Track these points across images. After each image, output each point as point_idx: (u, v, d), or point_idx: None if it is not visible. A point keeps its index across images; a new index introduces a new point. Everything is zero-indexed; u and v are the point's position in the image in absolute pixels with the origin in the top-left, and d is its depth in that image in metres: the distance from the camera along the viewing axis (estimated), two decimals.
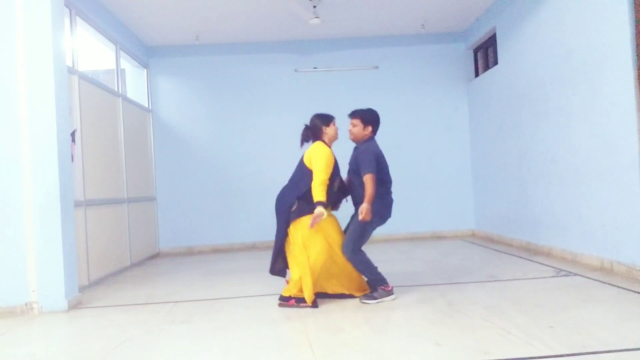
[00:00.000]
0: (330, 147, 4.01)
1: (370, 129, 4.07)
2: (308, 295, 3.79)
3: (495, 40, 7.00)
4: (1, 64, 4.15)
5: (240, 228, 7.77)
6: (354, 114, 4.08)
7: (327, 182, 3.83)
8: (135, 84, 7.69)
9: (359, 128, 4.04)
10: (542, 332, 2.92)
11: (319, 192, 3.78)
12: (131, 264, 6.44)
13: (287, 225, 3.98)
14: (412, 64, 7.99)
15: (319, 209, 3.72)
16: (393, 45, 7.99)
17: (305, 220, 3.84)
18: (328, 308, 3.76)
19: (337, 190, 4.00)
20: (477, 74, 7.92)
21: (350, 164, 4.07)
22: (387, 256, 6.03)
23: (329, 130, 4.03)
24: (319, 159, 3.87)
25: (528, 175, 6.05)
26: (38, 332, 3.60)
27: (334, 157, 3.96)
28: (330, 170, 3.89)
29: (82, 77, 5.32)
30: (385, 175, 4.03)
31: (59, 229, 4.14)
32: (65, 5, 4.70)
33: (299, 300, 3.84)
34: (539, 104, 5.69)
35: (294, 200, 3.93)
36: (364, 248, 4.03)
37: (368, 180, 3.83)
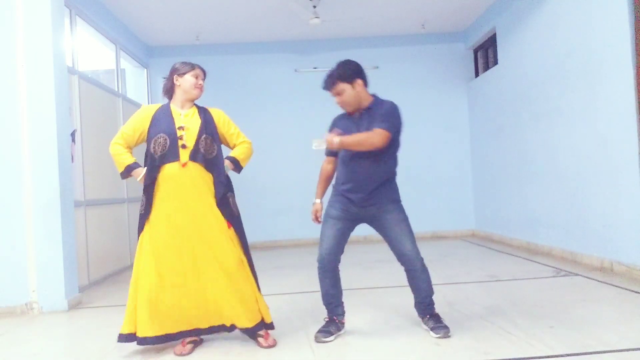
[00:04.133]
0: (193, 105, 3.04)
1: (360, 82, 2.94)
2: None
3: (495, 40, 7.00)
4: (1, 64, 4.16)
5: None
6: (328, 83, 2.95)
7: (124, 145, 3.05)
8: (135, 84, 7.69)
9: (348, 93, 2.92)
10: (542, 332, 2.92)
11: (116, 161, 3.03)
12: (131, 264, 6.42)
13: None
14: (412, 64, 7.99)
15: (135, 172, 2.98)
16: (393, 45, 7.99)
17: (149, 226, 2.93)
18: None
19: (164, 153, 2.89)
20: (477, 74, 7.93)
21: (357, 130, 2.93)
22: (387, 256, 6.02)
23: (182, 82, 2.98)
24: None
25: (528, 175, 6.05)
26: (38, 332, 3.60)
27: (155, 116, 2.97)
28: (131, 125, 3.01)
29: (82, 77, 5.32)
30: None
31: (59, 229, 4.14)
32: (65, 5, 4.70)
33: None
34: (539, 104, 5.69)
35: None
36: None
37: (374, 133, 2.81)
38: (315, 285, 3.16)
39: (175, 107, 3.01)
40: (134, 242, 6.51)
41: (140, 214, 2.97)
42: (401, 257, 3.01)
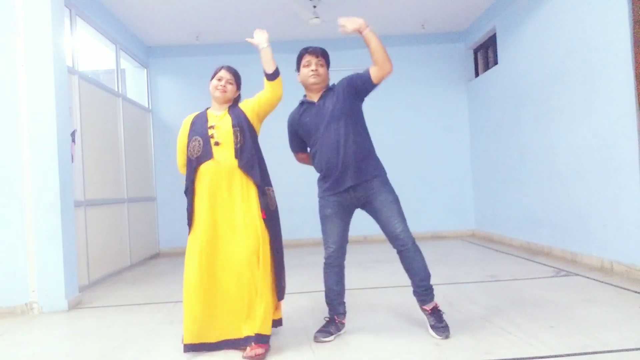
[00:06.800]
0: (227, 108, 3.08)
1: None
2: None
3: (495, 40, 7.00)
4: (1, 64, 4.16)
5: None
6: (319, 52, 3.16)
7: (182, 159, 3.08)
8: (135, 84, 7.70)
9: (325, 69, 3.16)
10: (542, 332, 2.92)
11: None
12: (131, 264, 6.44)
13: None
14: (412, 64, 7.99)
15: None
16: (393, 45, 7.98)
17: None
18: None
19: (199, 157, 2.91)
20: (477, 74, 7.93)
21: (325, 111, 3.04)
22: (387, 256, 6.03)
23: (210, 87, 3.13)
24: None
25: (528, 175, 6.05)
26: (38, 332, 3.60)
27: (192, 123, 3.06)
28: (178, 147, 3.12)
29: (82, 77, 5.32)
30: None
31: (59, 229, 4.14)
32: (65, 5, 4.70)
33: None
34: (539, 104, 5.69)
35: None
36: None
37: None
38: (315, 285, 3.17)
39: (211, 112, 3.10)
40: (134, 242, 6.56)
41: (187, 215, 2.96)
42: (392, 238, 3.00)
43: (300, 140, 3.20)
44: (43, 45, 4.17)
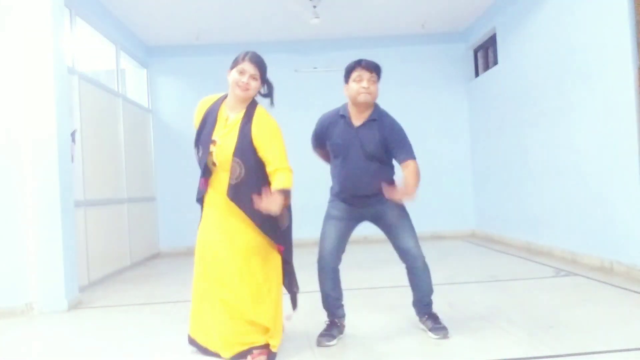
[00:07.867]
0: (244, 108, 2.75)
1: None
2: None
3: (495, 40, 7.00)
4: (1, 64, 4.15)
5: None
6: (373, 67, 2.87)
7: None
8: (135, 84, 7.69)
9: (377, 87, 2.91)
10: (542, 332, 2.92)
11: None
12: (131, 264, 6.44)
13: None
14: (412, 64, 7.99)
15: None
16: (393, 45, 7.99)
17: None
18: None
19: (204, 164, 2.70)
20: (477, 74, 7.92)
21: (360, 143, 2.89)
22: (386, 256, 6.02)
23: (229, 78, 2.72)
24: None
25: (528, 175, 6.05)
26: (38, 332, 3.60)
27: (206, 114, 2.75)
28: (195, 124, 2.80)
29: (82, 77, 5.32)
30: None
31: (59, 229, 4.14)
32: (65, 5, 4.70)
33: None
34: (539, 104, 5.69)
35: None
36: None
37: (415, 169, 2.83)
38: (315, 285, 3.16)
39: (225, 107, 2.73)
40: (134, 242, 6.56)
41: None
42: (403, 254, 2.97)
43: (324, 142, 3.05)
44: (43, 45, 4.16)
